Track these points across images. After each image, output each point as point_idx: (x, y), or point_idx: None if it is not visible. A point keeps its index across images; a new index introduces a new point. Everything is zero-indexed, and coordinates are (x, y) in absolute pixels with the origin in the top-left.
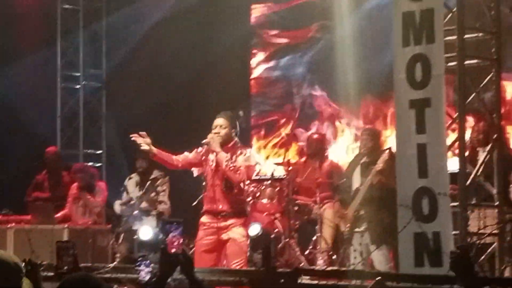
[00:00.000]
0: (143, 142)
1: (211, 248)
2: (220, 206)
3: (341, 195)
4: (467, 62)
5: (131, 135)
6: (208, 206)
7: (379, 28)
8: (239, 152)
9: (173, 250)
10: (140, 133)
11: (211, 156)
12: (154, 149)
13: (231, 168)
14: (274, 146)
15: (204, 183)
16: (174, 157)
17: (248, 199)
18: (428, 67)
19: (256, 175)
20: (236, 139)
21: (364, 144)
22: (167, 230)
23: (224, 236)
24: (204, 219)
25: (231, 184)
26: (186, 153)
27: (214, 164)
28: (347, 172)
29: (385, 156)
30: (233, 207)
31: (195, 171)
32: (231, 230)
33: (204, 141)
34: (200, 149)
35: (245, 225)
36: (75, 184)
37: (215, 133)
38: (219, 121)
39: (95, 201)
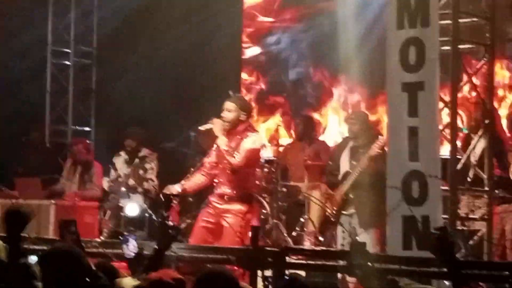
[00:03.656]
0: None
1: (210, 229)
2: (224, 189)
3: (328, 178)
4: (461, 46)
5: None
6: (216, 190)
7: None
8: (245, 135)
9: (171, 223)
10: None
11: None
12: (184, 188)
13: (229, 152)
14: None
15: (216, 170)
16: (202, 177)
17: None
18: (422, 51)
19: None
20: (247, 121)
21: (350, 127)
22: (168, 204)
23: (224, 222)
24: (211, 197)
25: (234, 168)
26: (206, 162)
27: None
28: (335, 155)
29: (381, 141)
30: (236, 191)
31: None
32: (229, 217)
33: (202, 127)
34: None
35: (247, 214)
36: (69, 159)
37: (222, 117)
38: (227, 104)
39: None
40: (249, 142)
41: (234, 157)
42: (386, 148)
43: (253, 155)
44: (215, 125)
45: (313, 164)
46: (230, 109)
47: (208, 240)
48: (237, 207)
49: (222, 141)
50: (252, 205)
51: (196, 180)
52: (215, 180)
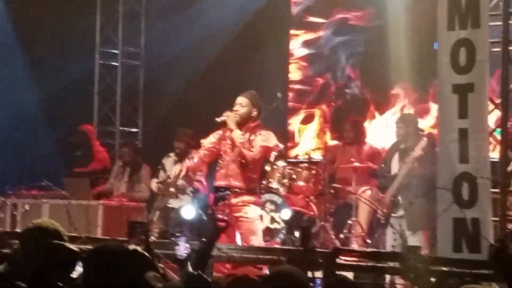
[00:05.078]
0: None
1: None
2: (232, 182)
3: (380, 180)
4: (511, 48)
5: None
6: (219, 182)
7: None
8: (258, 132)
9: (220, 216)
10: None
11: (228, 134)
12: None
13: (245, 145)
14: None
15: (220, 161)
16: (199, 162)
17: (284, 181)
18: (472, 52)
19: (294, 158)
20: (258, 119)
21: (398, 131)
22: (218, 196)
23: (237, 213)
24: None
25: (246, 162)
26: (204, 148)
27: (230, 142)
28: (386, 158)
29: (423, 143)
30: (245, 183)
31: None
32: (243, 208)
33: (218, 118)
34: (219, 131)
35: (257, 204)
36: (118, 160)
37: (234, 110)
38: (240, 99)
39: (140, 189)
40: (263, 139)
41: (250, 150)
42: (429, 149)
43: (266, 152)
44: (229, 118)
45: (361, 167)
46: (242, 104)
47: (225, 238)
48: (247, 198)
49: (237, 134)
50: (258, 196)
51: (196, 163)
52: (222, 172)
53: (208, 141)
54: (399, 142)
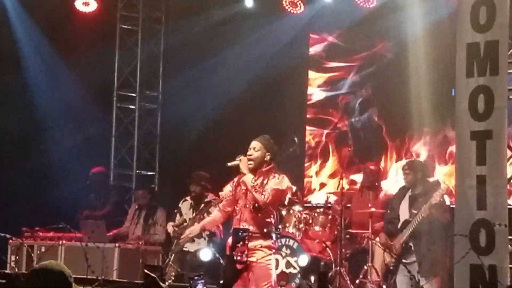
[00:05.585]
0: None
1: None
2: (245, 226)
3: (388, 227)
4: None
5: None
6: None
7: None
8: (271, 176)
9: (238, 258)
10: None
11: (242, 179)
12: (199, 229)
13: (256, 189)
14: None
15: (235, 206)
16: (219, 214)
17: (301, 225)
18: (491, 99)
19: (308, 203)
20: (271, 163)
21: (406, 177)
22: (237, 238)
23: (250, 258)
24: (230, 241)
25: (259, 206)
26: (224, 199)
27: (244, 187)
28: (393, 204)
29: (442, 190)
30: (259, 228)
31: None
32: (256, 252)
33: (230, 163)
34: (235, 179)
35: (271, 248)
36: (134, 203)
37: (248, 155)
38: (254, 144)
39: (156, 232)
40: (276, 182)
41: (262, 195)
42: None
43: (279, 195)
44: (242, 163)
45: (377, 212)
46: (256, 148)
47: (239, 282)
48: (260, 242)
49: (248, 178)
50: (273, 240)
51: (214, 217)
52: (237, 217)
53: (225, 192)
54: (406, 188)
